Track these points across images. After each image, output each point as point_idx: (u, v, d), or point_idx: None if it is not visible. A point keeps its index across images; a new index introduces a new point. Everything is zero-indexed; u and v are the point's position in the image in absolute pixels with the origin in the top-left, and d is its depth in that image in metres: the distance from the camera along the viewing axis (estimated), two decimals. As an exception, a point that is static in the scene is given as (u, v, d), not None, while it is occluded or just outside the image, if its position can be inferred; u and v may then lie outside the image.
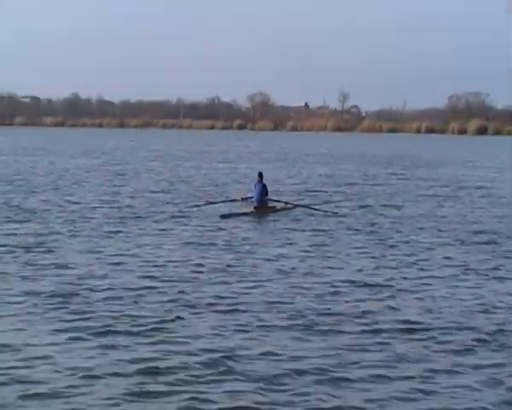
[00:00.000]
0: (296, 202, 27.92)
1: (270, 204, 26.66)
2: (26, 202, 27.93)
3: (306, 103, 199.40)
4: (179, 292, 13.97)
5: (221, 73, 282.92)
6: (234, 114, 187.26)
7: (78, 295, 13.73)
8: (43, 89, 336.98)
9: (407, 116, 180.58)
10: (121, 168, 48.18)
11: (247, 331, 11.62)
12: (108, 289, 14.20)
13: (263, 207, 26.17)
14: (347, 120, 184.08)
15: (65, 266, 16.18)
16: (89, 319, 12.19)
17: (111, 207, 26.92)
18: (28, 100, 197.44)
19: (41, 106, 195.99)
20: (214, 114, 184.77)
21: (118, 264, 16.63)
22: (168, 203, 28.28)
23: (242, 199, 27.46)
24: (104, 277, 15.30)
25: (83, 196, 30.80)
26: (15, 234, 20.41)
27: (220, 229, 22.03)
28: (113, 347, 10.81)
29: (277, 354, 10.53)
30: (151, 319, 12.14)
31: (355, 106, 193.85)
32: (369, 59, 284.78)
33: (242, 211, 25.76)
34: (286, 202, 27.18)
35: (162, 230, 21.78)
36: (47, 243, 19.17)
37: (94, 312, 12.57)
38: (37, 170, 45.65)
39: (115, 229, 21.75)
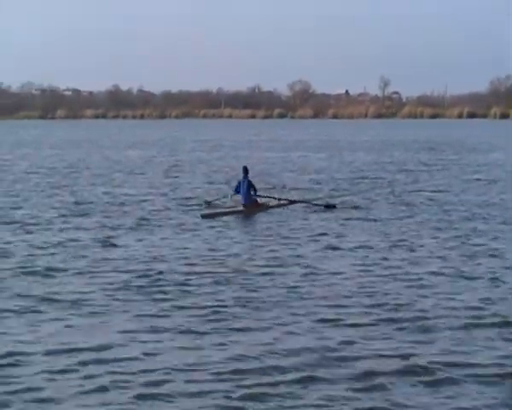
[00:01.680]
0: (291, 198, 25.76)
1: (261, 201, 24.50)
2: (88, 196, 28.16)
3: (347, 90, 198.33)
4: (258, 287, 13.80)
5: (261, 62, 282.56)
6: (274, 102, 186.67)
7: (154, 286, 13.77)
8: (83, 81, 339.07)
9: (448, 101, 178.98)
10: (174, 160, 48.34)
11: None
12: (184, 283, 14.17)
13: (253, 204, 23.97)
14: (388, 107, 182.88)
15: (135, 259, 16.20)
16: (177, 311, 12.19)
17: (173, 199, 27.06)
18: (69, 92, 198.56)
19: (82, 98, 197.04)
20: (255, 104, 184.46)
21: (187, 257, 16.63)
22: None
23: (231, 196, 24.96)
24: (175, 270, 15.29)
25: (141, 188, 30.95)
26: (82, 228, 20.53)
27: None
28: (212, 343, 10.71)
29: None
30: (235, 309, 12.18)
31: (396, 92, 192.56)
32: (409, 44, 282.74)
33: (228, 210, 23.78)
34: (279, 198, 25.06)
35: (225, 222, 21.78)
36: (117, 236, 19.24)
37: (179, 306, 12.58)
38: (89, 163, 45.99)
39: (179, 221, 21.84)
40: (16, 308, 12.30)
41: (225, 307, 12.42)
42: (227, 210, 23.68)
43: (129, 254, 16.76)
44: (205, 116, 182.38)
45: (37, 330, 11.20)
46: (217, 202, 25.08)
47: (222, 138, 79.41)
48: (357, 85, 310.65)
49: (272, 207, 24.34)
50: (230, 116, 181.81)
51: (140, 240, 18.67)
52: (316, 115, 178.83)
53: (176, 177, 35.90)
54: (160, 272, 14.86)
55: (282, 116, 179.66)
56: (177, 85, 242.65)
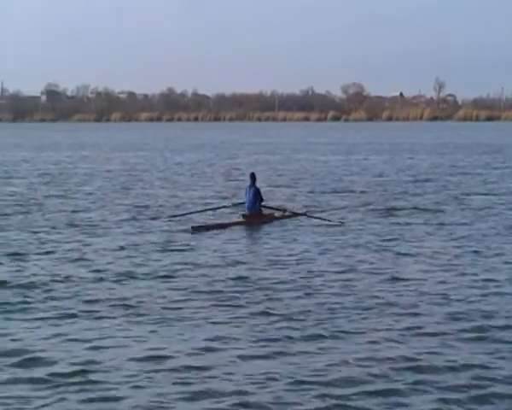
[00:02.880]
0: (297, 210, 23.59)
1: (265, 212, 22.63)
2: (154, 198, 28.13)
3: (401, 93, 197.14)
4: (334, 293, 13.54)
5: (315, 64, 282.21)
6: (328, 105, 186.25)
7: (232, 292, 13.55)
8: (138, 84, 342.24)
9: (505, 104, 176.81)
10: (234, 162, 48.30)
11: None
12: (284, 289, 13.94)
13: (256, 215, 22.03)
14: (443, 109, 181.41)
15: (207, 264, 16.02)
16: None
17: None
18: (124, 95, 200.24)
19: (137, 101, 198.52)
20: (308, 106, 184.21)
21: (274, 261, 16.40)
22: (297, 196, 28.13)
23: (234, 205, 23.33)
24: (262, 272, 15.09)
25: (206, 191, 30.88)
26: (152, 231, 20.45)
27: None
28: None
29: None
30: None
31: (451, 94, 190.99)
32: (464, 45, 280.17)
33: (224, 222, 21.74)
34: (284, 210, 22.99)
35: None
36: (184, 239, 19.12)
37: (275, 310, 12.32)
38: (150, 166, 46.13)
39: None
40: (91, 313, 12.16)
41: (308, 312, 12.16)
42: (223, 222, 21.77)
43: (201, 258, 16.61)
44: (259, 119, 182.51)
45: (120, 337, 11.01)
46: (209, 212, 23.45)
47: (279, 141, 79.21)
48: (412, 88, 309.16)
49: (278, 218, 22.45)
50: (284, 119, 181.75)
51: (210, 243, 18.54)
52: (370, 118, 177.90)
53: (239, 180, 35.73)
54: (238, 277, 14.67)
55: (335, 119, 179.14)
56: (231, 88, 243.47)
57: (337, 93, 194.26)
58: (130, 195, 29.56)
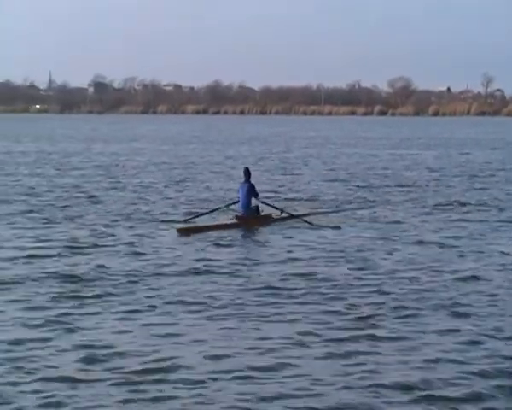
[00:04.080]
0: (297, 213, 21.68)
1: (263, 211, 20.74)
2: (213, 190, 28.16)
3: (449, 88, 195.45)
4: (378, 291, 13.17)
5: (361, 58, 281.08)
6: (374, 99, 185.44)
7: (300, 289, 13.31)
8: (185, 76, 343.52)
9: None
10: (285, 156, 48.33)
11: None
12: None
13: (251, 216, 20.21)
14: (491, 104, 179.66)
15: (276, 259, 15.88)
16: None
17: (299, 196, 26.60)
18: (171, 88, 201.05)
19: (183, 93, 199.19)
20: (354, 100, 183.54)
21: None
22: (356, 193, 28.14)
23: (227, 206, 21.16)
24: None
25: (260, 184, 30.92)
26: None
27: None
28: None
29: None
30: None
31: (499, 89, 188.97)
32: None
33: (213, 223, 19.96)
34: (281, 210, 20.95)
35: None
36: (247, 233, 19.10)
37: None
38: (202, 158, 46.22)
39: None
40: (156, 308, 12.04)
41: (379, 311, 11.92)
42: (217, 223, 20.04)
43: (269, 253, 16.52)
44: (304, 113, 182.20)
45: (192, 333, 10.85)
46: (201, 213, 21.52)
47: (329, 135, 79.01)
48: (459, 83, 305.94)
49: (276, 220, 20.72)
50: (330, 113, 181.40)
51: (279, 239, 18.45)
52: (416, 113, 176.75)
53: (294, 174, 35.72)
54: (308, 274, 14.40)
55: (382, 113, 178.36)
56: (278, 81, 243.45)
57: (384, 87, 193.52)
58: (187, 187, 29.66)
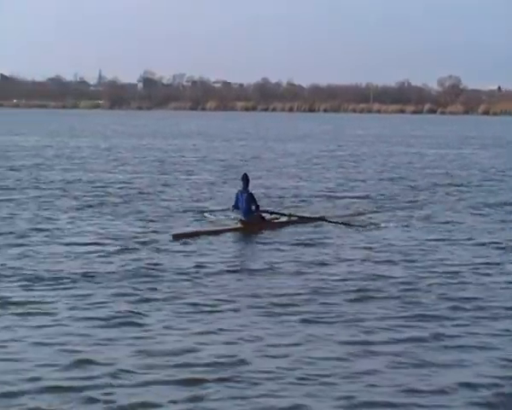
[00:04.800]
0: (308, 215, 20.84)
1: (267, 217, 19.76)
2: (270, 190, 28.34)
3: (499, 87, 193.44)
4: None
5: (411, 57, 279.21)
6: (424, 97, 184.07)
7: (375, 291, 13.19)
8: (233, 73, 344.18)
9: None
10: (341, 154, 48.37)
11: None
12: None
13: (254, 221, 19.16)
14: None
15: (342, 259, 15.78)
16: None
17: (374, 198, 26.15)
18: (219, 84, 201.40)
19: (232, 90, 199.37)
20: (404, 99, 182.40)
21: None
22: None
23: (233, 208, 19.80)
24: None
25: (322, 182, 31.05)
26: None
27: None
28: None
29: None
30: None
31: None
32: None
33: (214, 228, 19.07)
34: (290, 215, 20.12)
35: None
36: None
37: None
38: (258, 155, 46.45)
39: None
40: (223, 306, 12.02)
41: (450, 313, 11.79)
42: (218, 228, 19.09)
43: (335, 255, 16.29)
44: (353, 110, 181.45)
45: (260, 333, 10.78)
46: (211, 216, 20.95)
47: (381, 134, 78.59)
48: (510, 81, 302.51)
49: (284, 223, 19.72)
50: (379, 111, 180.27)
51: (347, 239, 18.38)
52: (466, 111, 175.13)
53: (352, 172, 35.77)
54: (365, 276, 14.23)
55: (431, 112, 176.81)
56: (326, 79, 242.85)
57: (433, 86, 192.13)
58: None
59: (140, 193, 26.40)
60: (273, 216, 19.83)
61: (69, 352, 9.82)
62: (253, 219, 19.12)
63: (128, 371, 9.16)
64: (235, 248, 17.32)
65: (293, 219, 19.92)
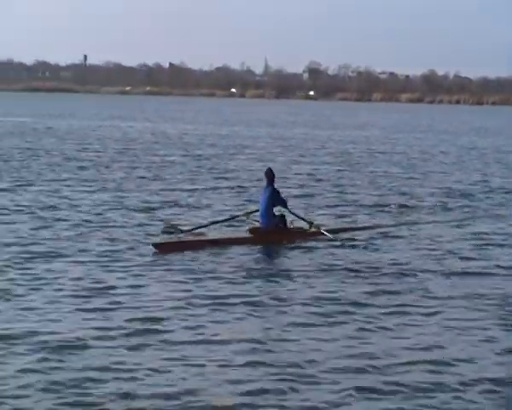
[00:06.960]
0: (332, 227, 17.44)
1: (293, 224, 16.57)
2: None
3: None
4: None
5: None
6: None
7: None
8: (399, 64, 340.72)
9: None
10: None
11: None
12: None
13: (269, 230, 16.12)
14: None
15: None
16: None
17: None
18: (385, 76, 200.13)
19: (398, 81, 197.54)
20: None
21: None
22: None
23: (247, 214, 17.05)
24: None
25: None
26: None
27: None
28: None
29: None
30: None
31: None
32: None
33: (206, 238, 15.99)
34: (311, 223, 16.63)
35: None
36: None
37: None
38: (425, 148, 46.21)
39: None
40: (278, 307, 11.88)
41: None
42: (218, 238, 16.04)
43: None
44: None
45: (314, 335, 10.65)
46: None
47: None
48: None
49: (302, 235, 16.43)
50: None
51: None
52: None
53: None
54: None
55: None
56: (495, 72, 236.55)
57: None
58: (427, 178, 29.83)
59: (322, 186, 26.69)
60: (302, 224, 16.66)
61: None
62: (270, 225, 16.20)
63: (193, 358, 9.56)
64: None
65: (312, 230, 16.47)
